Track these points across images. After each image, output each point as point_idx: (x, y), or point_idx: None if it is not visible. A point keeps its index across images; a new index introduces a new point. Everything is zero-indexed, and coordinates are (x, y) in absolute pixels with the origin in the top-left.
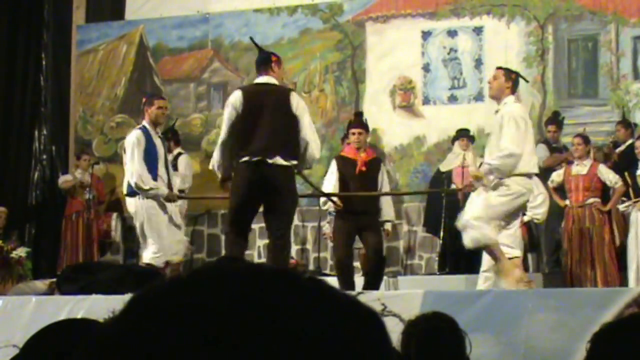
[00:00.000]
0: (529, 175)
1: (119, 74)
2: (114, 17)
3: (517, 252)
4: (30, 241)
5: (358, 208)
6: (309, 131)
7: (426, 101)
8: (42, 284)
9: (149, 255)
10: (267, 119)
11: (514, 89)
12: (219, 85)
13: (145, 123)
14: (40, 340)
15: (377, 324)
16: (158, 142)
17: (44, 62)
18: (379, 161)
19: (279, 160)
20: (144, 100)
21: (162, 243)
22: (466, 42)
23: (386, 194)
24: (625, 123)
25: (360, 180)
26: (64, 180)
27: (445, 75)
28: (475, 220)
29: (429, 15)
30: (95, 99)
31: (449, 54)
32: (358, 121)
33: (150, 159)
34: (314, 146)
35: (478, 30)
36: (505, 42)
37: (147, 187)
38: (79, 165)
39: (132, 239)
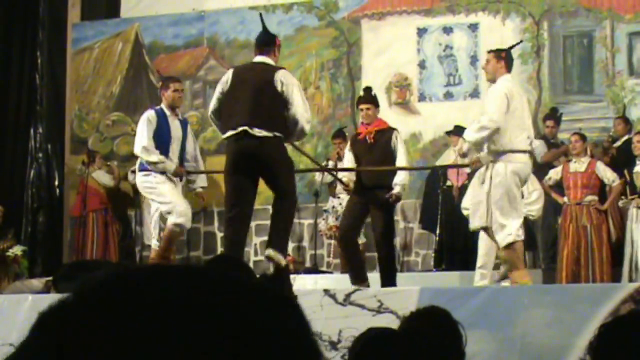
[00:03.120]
0: (520, 151)
1: (115, 72)
2: (110, 15)
3: (521, 234)
4: (26, 239)
5: (367, 183)
6: (299, 107)
7: (422, 98)
8: (38, 282)
9: (174, 217)
10: (247, 94)
11: (508, 67)
12: (214, 82)
13: (162, 105)
14: None
15: (289, 309)
16: (175, 124)
17: (39, 60)
18: (391, 131)
19: (262, 132)
20: (160, 84)
21: (180, 205)
22: (462, 38)
23: (384, 169)
24: (625, 118)
25: (370, 152)
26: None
27: (440, 72)
28: (501, 222)
29: (425, 12)
30: (90, 97)
31: (444, 50)
32: (367, 96)
33: (161, 140)
34: (303, 120)
35: (473, 27)
36: (501, 38)
37: (153, 159)
38: (91, 165)
39: (127, 238)
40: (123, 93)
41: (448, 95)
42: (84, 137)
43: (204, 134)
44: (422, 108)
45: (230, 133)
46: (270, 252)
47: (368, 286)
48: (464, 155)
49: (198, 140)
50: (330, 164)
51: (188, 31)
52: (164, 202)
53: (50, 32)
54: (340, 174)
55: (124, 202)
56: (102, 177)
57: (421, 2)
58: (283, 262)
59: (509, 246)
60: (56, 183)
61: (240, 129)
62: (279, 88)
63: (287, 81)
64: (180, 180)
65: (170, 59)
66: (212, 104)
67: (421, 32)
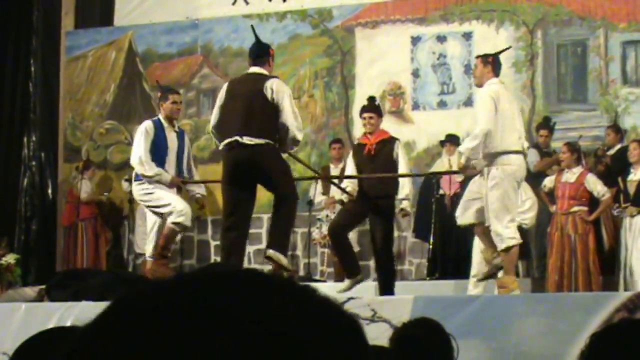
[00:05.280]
0: (512, 152)
1: (108, 80)
2: (103, 23)
3: (517, 239)
4: (19, 248)
5: (369, 192)
6: (289, 115)
7: (416, 106)
8: (31, 291)
9: (174, 216)
10: (239, 105)
11: (495, 72)
12: (208, 91)
13: (160, 117)
14: (29, 349)
15: (355, 331)
16: (172, 136)
17: (32, 69)
18: (393, 140)
19: (253, 140)
20: (159, 94)
21: (181, 203)
22: (455, 47)
23: (383, 175)
24: (616, 127)
25: (372, 162)
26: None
27: (434, 80)
28: (497, 229)
29: (419, 21)
30: (84, 105)
31: (438, 59)
32: (370, 105)
33: (158, 151)
34: (294, 128)
35: (467, 36)
36: (495, 47)
37: (150, 173)
38: (84, 173)
39: (119, 247)
40: (117, 101)
41: (442, 104)
42: (77, 145)
43: (198, 143)
44: (415, 117)
45: (224, 142)
46: (270, 252)
47: (362, 279)
48: (465, 168)
49: (192, 149)
50: (334, 172)
51: (182, 39)
52: (162, 205)
53: (43, 40)
54: (344, 184)
55: (114, 211)
56: (83, 187)
57: (415, 11)
58: (284, 261)
59: (507, 250)
60: (49, 191)
61: (232, 138)
62: (269, 96)
63: (277, 89)
64: (179, 191)
65: (164, 67)
66: (212, 118)
67: (415, 40)
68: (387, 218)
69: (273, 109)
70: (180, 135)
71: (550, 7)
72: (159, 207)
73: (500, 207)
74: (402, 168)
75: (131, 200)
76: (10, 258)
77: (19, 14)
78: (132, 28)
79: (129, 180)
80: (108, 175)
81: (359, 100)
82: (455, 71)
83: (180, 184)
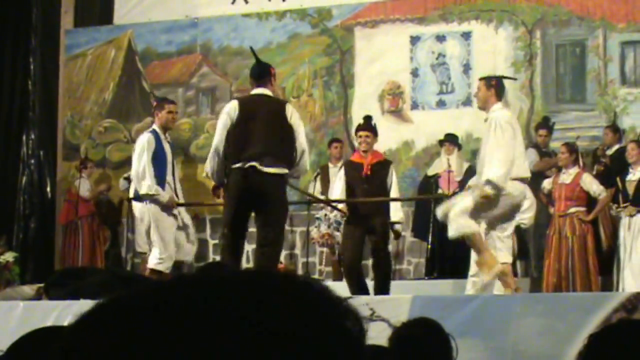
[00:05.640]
0: (521, 180)
1: (108, 79)
2: (103, 21)
3: (508, 257)
4: (18, 246)
5: (365, 211)
6: (303, 141)
7: (414, 106)
8: (29, 289)
9: (153, 260)
10: (261, 127)
11: (498, 95)
12: (207, 90)
13: (155, 127)
14: (21, 347)
15: (355, 332)
16: (167, 147)
17: (32, 67)
18: (388, 163)
19: (270, 169)
20: (154, 104)
21: (167, 248)
22: (454, 47)
23: (383, 199)
24: (614, 128)
25: (367, 183)
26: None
27: (433, 80)
28: (457, 214)
29: (418, 21)
30: (83, 103)
31: (437, 59)
32: (366, 124)
33: (159, 163)
34: (306, 155)
35: (466, 36)
36: (494, 47)
37: (151, 192)
38: (82, 174)
39: (117, 246)
40: (115, 100)
41: (441, 104)
42: (76, 143)
43: (197, 141)
44: (414, 116)
45: (239, 165)
46: None
47: None
48: (486, 197)
49: (190, 147)
50: (332, 170)
51: (181, 38)
52: (155, 241)
53: (43, 38)
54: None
55: (112, 210)
56: (83, 185)
57: (414, 11)
58: None
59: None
60: (48, 189)
61: (250, 164)
62: (289, 120)
63: (295, 115)
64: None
65: (163, 65)
66: (219, 137)
67: (414, 40)
68: (384, 240)
69: (291, 133)
70: (172, 146)
71: (549, 7)
72: (146, 240)
73: (489, 214)
74: (395, 191)
75: (129, 199)
76: (9, 256)
77: (18, 12)
78: (131, 27)
79: (127, 179)
80: (106, 173)
81: (358, 100)
82: (454, 71)
83: (174, 206)
